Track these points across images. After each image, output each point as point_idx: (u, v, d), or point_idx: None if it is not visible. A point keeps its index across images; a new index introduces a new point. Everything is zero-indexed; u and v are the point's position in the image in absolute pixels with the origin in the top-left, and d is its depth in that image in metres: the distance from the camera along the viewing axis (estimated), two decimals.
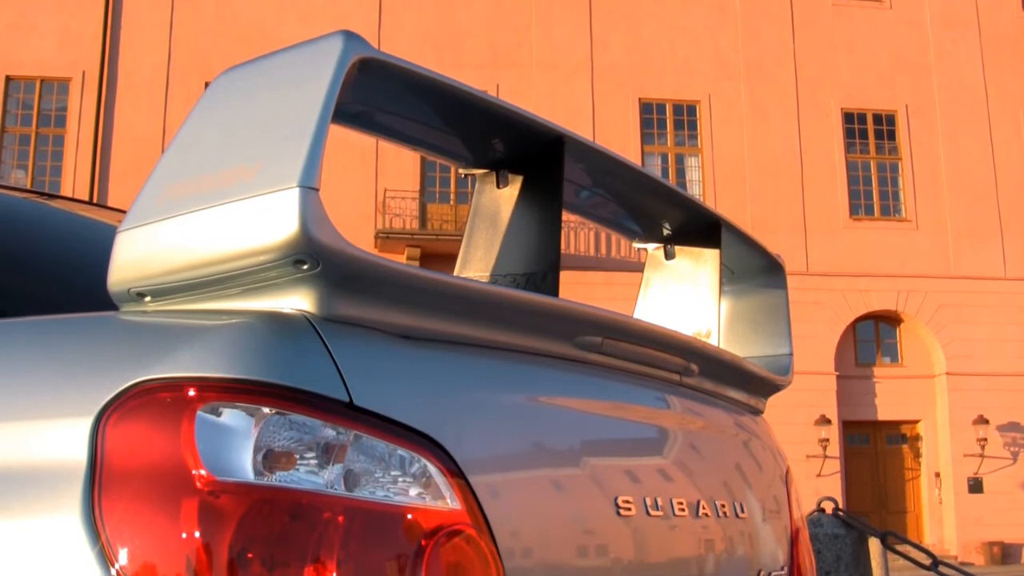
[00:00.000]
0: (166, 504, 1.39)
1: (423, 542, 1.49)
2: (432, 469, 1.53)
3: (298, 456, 1.44)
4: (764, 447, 2.45)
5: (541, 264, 1.89)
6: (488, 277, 1.91)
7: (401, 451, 1.52)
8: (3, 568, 1.42)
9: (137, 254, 1.55)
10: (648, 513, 1.87)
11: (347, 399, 1.48)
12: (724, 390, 2.34)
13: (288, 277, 1.49)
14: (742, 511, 2.17)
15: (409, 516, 1.50)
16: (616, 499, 1.81)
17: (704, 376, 2.21)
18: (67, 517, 1.40)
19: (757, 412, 2.53)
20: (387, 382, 1.56)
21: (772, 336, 2.60)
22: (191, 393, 1.44)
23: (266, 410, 1.43)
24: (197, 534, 1.37)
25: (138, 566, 1.37)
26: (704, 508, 2.03)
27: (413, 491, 1.51)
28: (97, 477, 1.41)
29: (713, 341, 2.34)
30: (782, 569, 2.35)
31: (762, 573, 2.24)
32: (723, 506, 2.10)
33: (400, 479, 1.51)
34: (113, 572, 1.37)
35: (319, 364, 1.49)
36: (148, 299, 1.57)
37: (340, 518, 1.44)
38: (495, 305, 1.70)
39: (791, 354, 2.57)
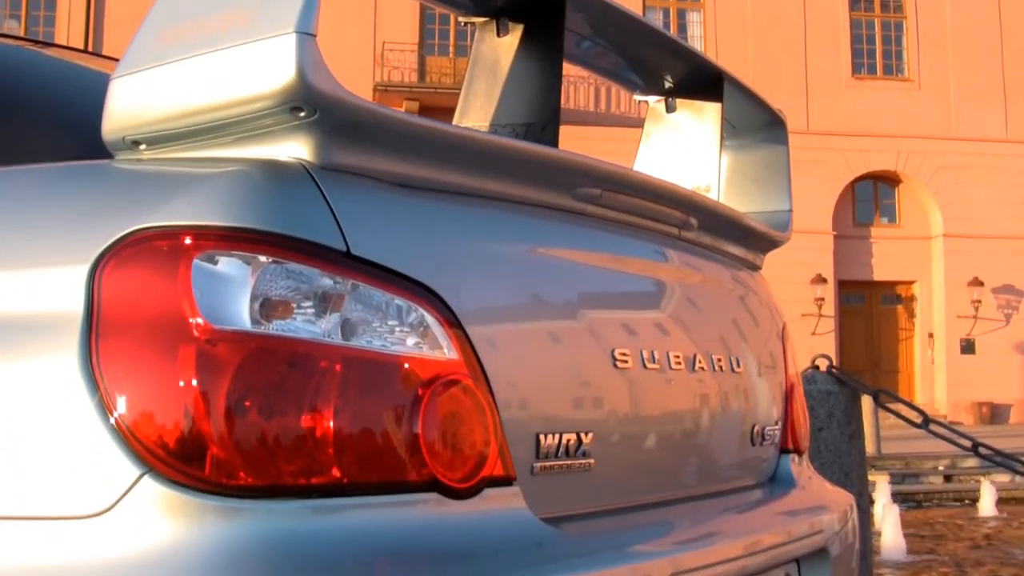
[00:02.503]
0: (163, 353, 1.39)
1: (420, 391, 1.50)
2: (429, 319, 1.53)
3: (295, 305, 1.43)
4: (761, 303, 2.45)
5: (541, 114, 1.87)
6: (487, 127, 1.89)
7: (398, 301, 1.51)
8: (4, 418, 1.43)
9: (131, 102, 1.52)
10: (645, 366, 1.88)
11: (344, 248, 1.47)
12: (723, 245, 2.33)
13: (285, 124, 1.46)
14: (738, 366, 2.19)
15: (406, 365, 1.49)
16: (613, 351, 1.81)
17: (703, 230, 2.20)
18: (65, 366, 1.40)
19: (755, 268, 2.53)
20: (385, 232, 1.55)
21: (772, 192, 2.59)
22: (187, 241, 1.42)
23: (263, 259, 1.42)
24: (194, 382, 1.37)
25: (136, 415, 1.37)
26: (700, 362, 2.04)
27: (410, 341, 1.51)
28: (94, 326, 1.41)
29: (713, 195, 2.32)
30: (776, 424, 2.37)
31: (756, 427, 2.26)
32: (719, 360, 2.11)
33: (397, 328, 1.50)
34: (112, 421, 1.37)
35: (316, 213, 1.47)
36: (143, 147, 1.54)
37: (337, 367, 1.44)
38: (494, 155, 1.69)
39: (790, 211, 2.56)
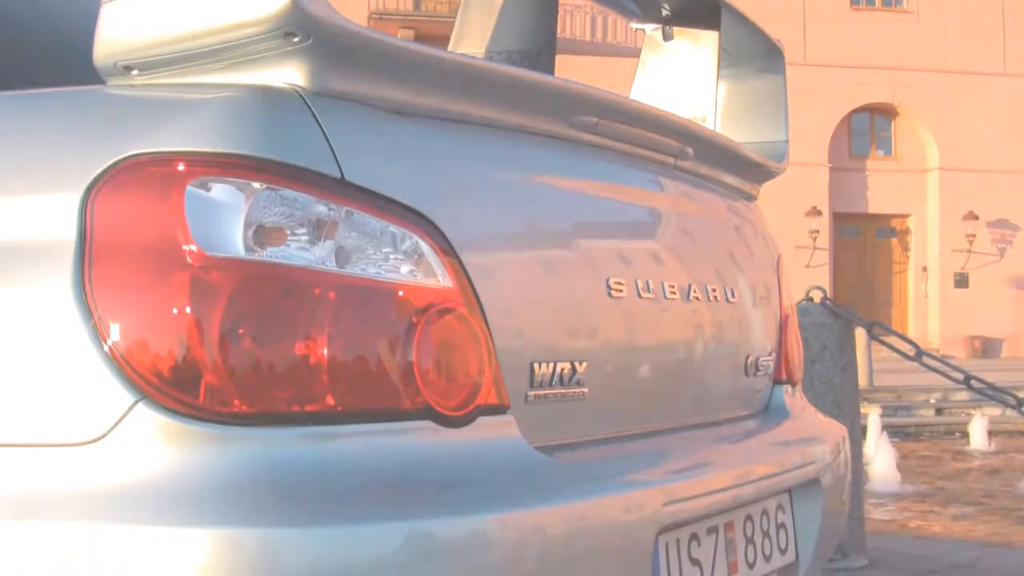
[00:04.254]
0: (157, 279, 1.40)
1: (414, 319, 1.50)
2: (424, 246, 1.54)
3: (289, 232, 1.44)
4: (756, 233, 2.46)
5: (536, 41, 1.87)
6: (482, 54, 1.88)
7: (393, 228, 1.52)
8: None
9: (123, 27, 1.51)
10: (639, 295, 1.89)
11: (339, 175, 1.48)
12: (719, 174, 2.34)
13: (279, 50, 1.46)
14: (732, 296, 2.19)
15: (400, 293, 1.50)
16: (608, 280, 1.82)
17: (699, 160, 2.21)
18: (58, 293, 1.41)
19: (751, 198, 2.53)
20: (380, 159, 1.55)
21: (768, 122, 2.60)
22: (181, 168, 1.43)
23: (257, 185, 1.42)
24: (188, 309, 1.38)
25: (129, 342, 1.38)
26: (695, 292, 2.05)
27: (405, 268, 1.51)
28: (87, 253, 1.41)
29: (709, 125, 2.32)
30: (770, 355, 2.39)
31: (750, 358, 2.28)
32: (714, 291, 2.12)
33: (392, 256, 1.51)
34: (105, 348, 1.38)
35: (311, 139, 1.47)
36: (135, 72, 1.53)
37: (331, 294, 1.45)
38: (490, 82, 1.68)
39: (787, 141, 2.53)
